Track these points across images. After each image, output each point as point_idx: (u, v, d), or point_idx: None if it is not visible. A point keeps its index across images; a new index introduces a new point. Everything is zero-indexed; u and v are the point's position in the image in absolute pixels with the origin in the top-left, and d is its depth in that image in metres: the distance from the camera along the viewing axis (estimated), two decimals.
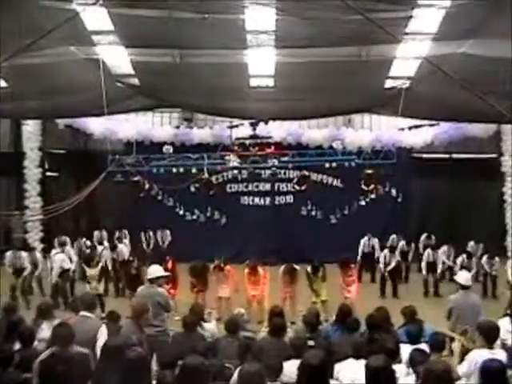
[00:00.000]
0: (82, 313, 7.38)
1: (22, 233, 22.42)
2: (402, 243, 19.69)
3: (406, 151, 22.66)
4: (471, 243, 19.27)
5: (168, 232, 21.93)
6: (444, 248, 18.62)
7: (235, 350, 7.36)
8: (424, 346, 7.17)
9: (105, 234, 21.01)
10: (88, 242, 19.82)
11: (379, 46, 12.53)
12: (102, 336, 7.01)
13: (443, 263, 18.25)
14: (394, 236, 20.15)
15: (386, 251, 17.92)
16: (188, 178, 21.30)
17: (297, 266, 14.98)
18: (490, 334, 6.51)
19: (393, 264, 17.55)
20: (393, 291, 17.41)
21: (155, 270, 9.86)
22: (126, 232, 21.20)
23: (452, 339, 8.00)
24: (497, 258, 17.40)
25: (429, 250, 18.33)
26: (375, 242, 20.12)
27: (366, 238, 20.12)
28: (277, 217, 23.47)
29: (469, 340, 7.39)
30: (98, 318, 8.23)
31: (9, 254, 16.72)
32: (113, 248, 17.83)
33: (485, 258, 17.55)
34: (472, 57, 11.85)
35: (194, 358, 5.35)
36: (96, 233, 20.97)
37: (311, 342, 7.36)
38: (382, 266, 17.65)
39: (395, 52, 13.43)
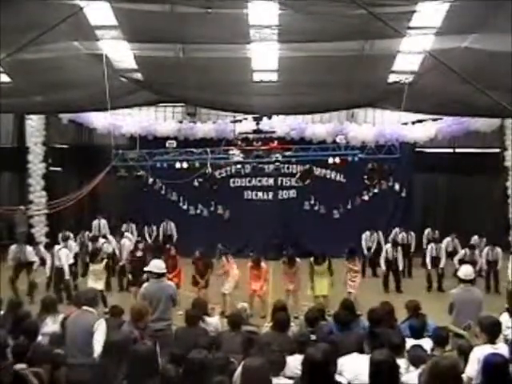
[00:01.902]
0: (84, 307, 7.41)
1: (25, 227, 22.45)
2: (403, 235, 19.79)
3: (409, 146, 22.62)
4: (475, 237, 19.24)
5: (172, 224, 22.05)
6: (447, 239, 18.62)
7: (238, 344, 7.39)
8: (427, 341, 7.19)
9: (107, 227, 21.06)
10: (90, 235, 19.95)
11: (382, 41, 12.54)
12: (100, 329, 7.04)
13: (447, 253, 18.21)
14: (396, 229, 20.19)
15: (388, 246, 17.89)
16: (191, 173, 21.32)
17: (297, 259, 15.03)
18: (491, 330, 6.50)
19: (400, 261, 17.53)
20: (396, 286, 17.41)
21: (161, 265, 9.87)
22: (132, 226, 21.24)
23: (456, 334, 7.99)
24: (498, 249, 17.43)
25: (432, 245, 18.28)
26: (378, 236, 20.07)
27: (367, 232, 20.04)
28: (280, 211, 23.48)
29: (472, 335, 7.39)
30: (101, 313, 8.25)
31: (13, 247, 16.70)
32: (117, 240, 17.95)
33: (486, 249, 17.59)
34: (475, 51, 11.84)
35: (198, 352, 5.38)
36: (96, 224, 21.07)
37: (314, 337, 7.38)
38: (383, 260, 17.61)
39: (398, 46, 13.43)
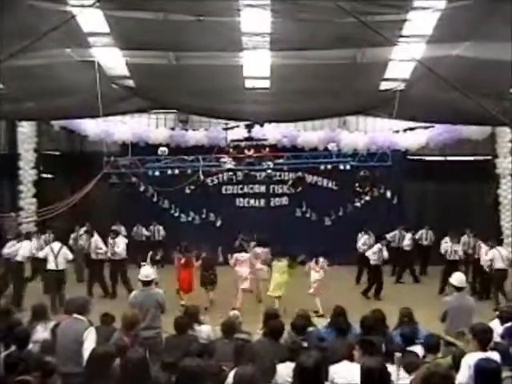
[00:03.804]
0: (74, 315, 7.39)
1: (16, 234, 22.32)
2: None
3: (400, 153, 22.66)
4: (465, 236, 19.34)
5: (161, 227, 22.19)
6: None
7: (231, 351, 7.38)
8: (419, 348, 7.20)
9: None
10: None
11: (374, 49, 12.57)
12: (90, 338, 7.02)
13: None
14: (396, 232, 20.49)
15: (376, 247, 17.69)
16: (183, 180, 21.34)
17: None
18: (483, 337, 6.52)
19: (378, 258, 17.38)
20: (375, 292, 17.21)
21: (150, 272, 9.87)
22: (122, 228, 21.22)
23: (448, 342, 7.99)
24: (483, 245, 17.47)
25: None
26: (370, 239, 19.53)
27: (366, 236, 19.66)
28: (272, 219, 23.45)
29: (466, 342, 7.40)
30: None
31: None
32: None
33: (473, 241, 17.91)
34: (466, 59, 11.89)
35: (191, 359, 5.37)
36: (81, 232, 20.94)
37: (305, 344, 7.37)
38: (372, 261, 17.43)
39: (390, 54, 13.46)
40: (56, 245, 15.93)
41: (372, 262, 17.49)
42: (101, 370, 5.66)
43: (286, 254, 17.56)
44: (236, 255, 16.09)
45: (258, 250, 16.96)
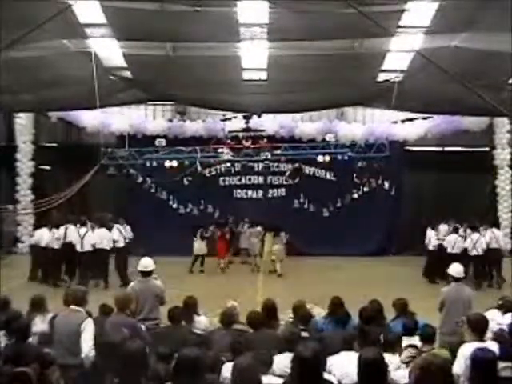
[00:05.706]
0: (72, 307, 7.38)
1: (14, 226, 22.34)
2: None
3: (398, 144, 22.64)
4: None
5: (128, 228, 19.18)
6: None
7: (228, 342, 7.38)
8: (416, 339, 7.21)
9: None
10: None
11: (372, 40, 12.58)
12: (87, 329, 7.02)
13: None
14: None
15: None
16: (181, 171, 21.30)
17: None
18: (478, 327, 6.52)
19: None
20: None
21: (149, 263, 9.83)
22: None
23: None
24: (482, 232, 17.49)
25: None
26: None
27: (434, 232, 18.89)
28: (269, 210, 23.43)
29: (464, 332, 7.40)
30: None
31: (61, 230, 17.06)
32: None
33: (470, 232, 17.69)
34: (464, 50, 11.88)
35: (189, 349, 5.37)
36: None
37: (305, 334, 7.37)
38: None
39: (388, 45, 13.47)
40: (83, 229, 16.93)
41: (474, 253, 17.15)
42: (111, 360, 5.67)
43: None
44: (249, 230, 20.42)
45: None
